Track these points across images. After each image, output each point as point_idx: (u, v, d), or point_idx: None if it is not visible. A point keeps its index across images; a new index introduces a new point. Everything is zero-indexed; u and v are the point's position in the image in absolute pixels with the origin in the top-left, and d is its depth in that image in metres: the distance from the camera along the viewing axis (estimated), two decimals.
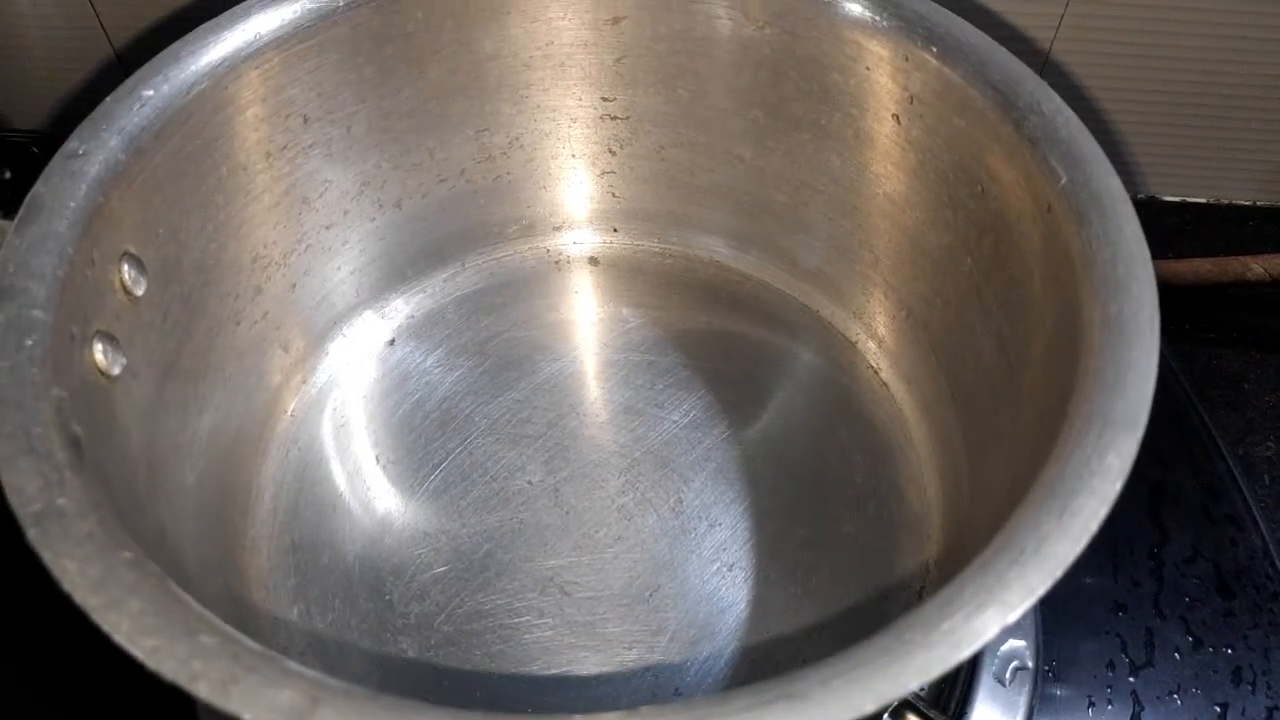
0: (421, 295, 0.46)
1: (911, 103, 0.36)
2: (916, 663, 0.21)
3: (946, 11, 0.35)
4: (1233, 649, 0.38)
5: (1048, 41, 0.47)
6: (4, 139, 0.56)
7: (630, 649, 0.36)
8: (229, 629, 0.23)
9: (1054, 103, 0.32)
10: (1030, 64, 0.46)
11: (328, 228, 0.42)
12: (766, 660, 0.36)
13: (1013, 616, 0.22)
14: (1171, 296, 0.49)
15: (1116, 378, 0.26)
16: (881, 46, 0.36)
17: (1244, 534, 0.41)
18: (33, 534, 0.24)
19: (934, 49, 0.35)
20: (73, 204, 0.30)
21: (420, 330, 0.46)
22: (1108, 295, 0.27)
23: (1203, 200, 0.54)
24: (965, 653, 0.21)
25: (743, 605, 0.37)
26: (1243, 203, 0.54)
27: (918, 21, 0.35)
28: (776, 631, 0.36)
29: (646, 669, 0.36)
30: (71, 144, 0.32)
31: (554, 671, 0.36)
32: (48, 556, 0.23)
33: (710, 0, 0.39)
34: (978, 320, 0.36)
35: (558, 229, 0.48)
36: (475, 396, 0.43)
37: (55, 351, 0.28)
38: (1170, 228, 0.54)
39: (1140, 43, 0.47)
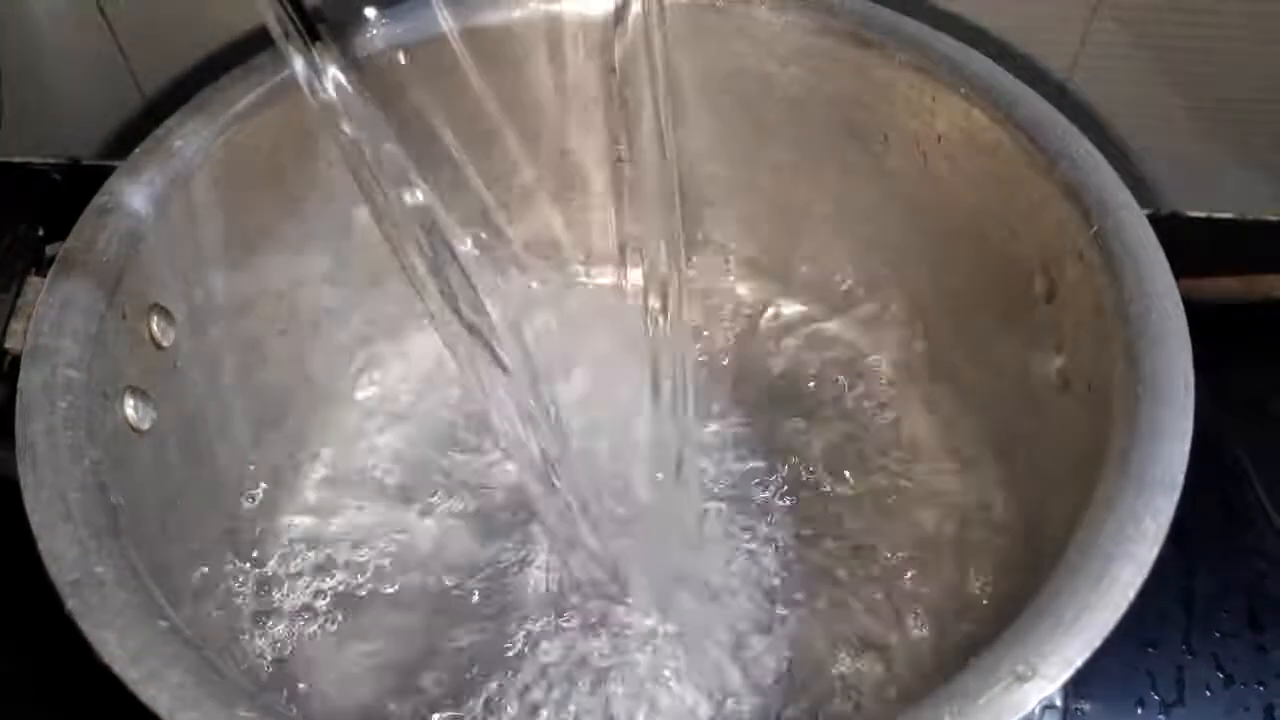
0: None
1: (939, 142, 0.36)
2: None
3: (974, 52, 0.35)
4: (1265, 685, 0.38)
5: (1072, 55, 0.46)
6: (26, 166, 0.56)
7: None
8: (265, 699, 0.23)
9: (1084, 147, 0.32)
10: (1054, 77, 0.46)
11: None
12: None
13: (1051, 689, 0.22)
14: (1197, 315, 0.49)
15: (1153, 438, 0.25)
16: (908, 86, 0.36)
17: (1275, 566, 0.41)
18: (71, 604, 0.24)
19: (961, 90, 0.34)
20: (104, 259, 0.31)
21: (443, 364, 0.46)
22: (1142, 350, 0.27)
23: (1229, 216, 0.54)
24: None
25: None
26: (1270, 218, 0.54)
27: (944, 61, 0.35)
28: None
29: None
30: (100, 198, 0.32)
31: None
32: (87, 628, 0.24)
33: (735, 38, 0.39)
34: (1009, 360, 0.36)
35: (583, 263, 0.48)
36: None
37: (89, 412, 0.28)
38: (1196, 244, 0.53)
39: (1165, 56, 0.46)
